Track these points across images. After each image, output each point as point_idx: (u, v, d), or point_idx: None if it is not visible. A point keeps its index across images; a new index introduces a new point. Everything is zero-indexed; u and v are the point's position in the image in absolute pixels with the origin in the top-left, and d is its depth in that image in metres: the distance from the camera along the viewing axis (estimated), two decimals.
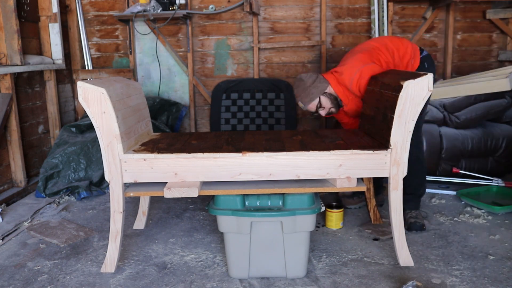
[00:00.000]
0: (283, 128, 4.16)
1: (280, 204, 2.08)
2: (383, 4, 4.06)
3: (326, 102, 2.71)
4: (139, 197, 2.75)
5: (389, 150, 2.06)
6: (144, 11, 3.98)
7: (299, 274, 2.09)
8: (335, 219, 2.66)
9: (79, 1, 4.24)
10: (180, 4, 4.05)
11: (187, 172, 2.08)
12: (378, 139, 2.24)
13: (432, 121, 3.38)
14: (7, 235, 2.64)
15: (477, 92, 3.35)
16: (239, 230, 2.03)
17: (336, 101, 2.72)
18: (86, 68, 4.34)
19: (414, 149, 2.31)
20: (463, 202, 3.05)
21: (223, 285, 2.05)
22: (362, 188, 2.13)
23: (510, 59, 4.13)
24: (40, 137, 3.86)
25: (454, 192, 3.20)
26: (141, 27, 4.30)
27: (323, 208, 2.07)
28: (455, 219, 2.77)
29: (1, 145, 3.30)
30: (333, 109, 2.75)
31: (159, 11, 3.99)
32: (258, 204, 2.08)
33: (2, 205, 3.09)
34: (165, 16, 4.01)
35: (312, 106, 2.73)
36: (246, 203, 2.08)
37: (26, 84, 3.64)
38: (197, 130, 4.45)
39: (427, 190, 3.26)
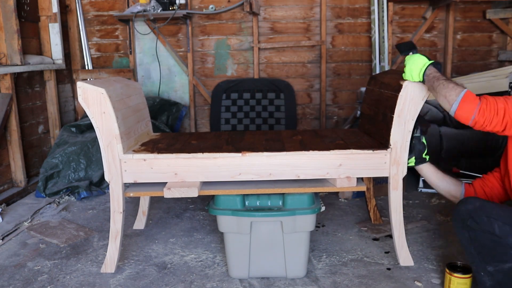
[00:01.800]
0: (283, 128, 4.16)
1: (280, 204, 2.08)
2: (383, 4, 4.05)
3: None
4: (139, 197, 2.75)
5: (389, 149, 2.06)
6: (144, 11, 3.98)
7: (299, 274, 2.09)
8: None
9: (79, 1, 4.24)
10: (180, 4, 4.05)
11: (187, 172, 2.08)
12: (378, 139, 2.24)
13: (432, 121, 3.38)
14: (7, 235, 2.64)
15: (477, 92, 3.33)
16: (239, 230, 2.03)
17: None
18: (86, 68, 4.34)
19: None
20: None
21: (223, 285, 2.05)
22: (362, 188, 2.13)
23: (510, 59, 4.13)
24: (40, 137, 3.86)
25: None
26: (141, 27, 4.30)
27: (323, 208, 2.07)
28: None
29: (1, 145, 3.30)
30: None
31: (159, 11, 3.99)
32: (258, 204, 2.08)
33: (2, 205, 3.09)
34: (165, 16, 4.01)
35: None
36: (246, 203, 2.08)
37: (26, 84, 3.64)
38: (197, 130, 4.45)
39: (428, 190, 3.27)
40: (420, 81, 1.93)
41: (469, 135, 3.34)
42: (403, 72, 1.98)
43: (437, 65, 1.89)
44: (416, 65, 1.91)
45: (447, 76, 1.83)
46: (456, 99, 1.68)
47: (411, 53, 1.99)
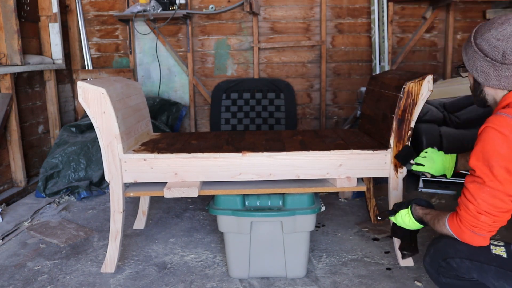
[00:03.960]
0: (283, 128, 4.16)
1: (280, 204, 2.08)
2: (383, 4, 4.05)
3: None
4: (139, 197, 2.75)
5: (389, 150, 2.06)
6: (144, 11, 3.98)
7: (299, 274, 2.09)
8: None
9: (79, 1, 4.24)
10: (180, 4, 4.05)
11: (187, 172, 2.08)
12: (378, 139, 2.24)
13: (432, 121, 3.38)
14: (7, 235, 2.64)
15: None
16: (239, 230, 2.03)
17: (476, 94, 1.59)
18: (86, 68, 4.34)
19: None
20: None
21: (223, 285, 2.05)
22: (362, 188, 2.13)
23: None
24: (40, 137, 3.86)
25: (454, 192, 3.20)
26: (141, 27, 4.30)
27: (323, 208, 2.07)
28: None
29: (1, 145, 3.30)
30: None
31: (159, 11, 3.99)
32: (258, 204, 2.08)
33: (2, 205, 3.09)
34: (165, 16, 4.01)
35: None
36: (246, 203, 2.08)
37: (26, 84, 3.64)
38: (197, 130, 4.45)
39: (428, 190, 3.27)
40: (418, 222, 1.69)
41: (469, 135, 3.34)
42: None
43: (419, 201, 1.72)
44: (404, 221, 1.70)
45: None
46: (451, 233, 1.46)
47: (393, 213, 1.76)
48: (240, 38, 4.30)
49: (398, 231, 1.80)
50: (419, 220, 1.65)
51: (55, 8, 3.83)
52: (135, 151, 2.14)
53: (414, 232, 1.79)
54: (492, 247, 1.41)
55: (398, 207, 1.73)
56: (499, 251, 1.39)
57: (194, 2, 4.24)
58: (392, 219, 1.75)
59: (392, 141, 2.06)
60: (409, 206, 1.68)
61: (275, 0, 4.22)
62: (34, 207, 3.11)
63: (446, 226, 1.46)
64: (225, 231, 2.06)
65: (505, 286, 1.37)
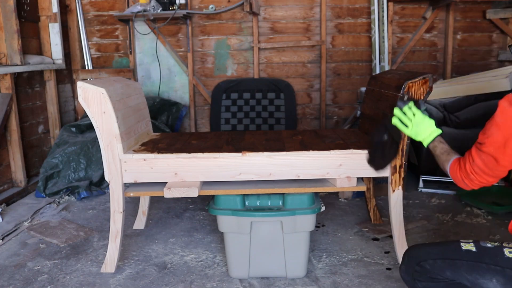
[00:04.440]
0: (283, 128, 4.15)
1: (280, 204, 2.08)
2: (383, 4, 4.05)
3: None
4: (139, 197, 2.75)
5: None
6: (144, 11, 3.98)
7: (299, 274, 2.09)
8: None
9: (79, 1, 4.24)
10: (180, 4, 4.05)
11: (187, 172, 2.08)
12: None
13: None
14: (7, 235, 2.64)
15: (477, 92, 3.34)
16: (239, 230, 2.03)
17: None
18: (86, 68, 4.34)
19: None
20: (463, 202, 3.05)
21: (223, 285, 2.05)
22: (362, 187, 2.13)
23: (510, 59, 4.13)
24: (40, 137, 3.86)
25: (454, 192, 3.20)
26: (141, 27, 4.30)
27: (323, 208, 2.07)
28: (455, 219, 2.77)
29: (1, 145, 3.30)
30: None
31: (159, 11, 3.99)
32: (258, 204, 2.08)
33: (2, 205, 3.09)
34: (165, 16, 4.01)
35: None
36: (246, 203, 2.08)
37: (26, 84, 3.64)
38: (197, 130, 4.45)
39: (428, 190, 3.27)
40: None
41: (469, 135, 3.34)
42: (406, 126, 1.76)
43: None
44: (424, 132, 1.79)
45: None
46: (447, 171, 1.68)
47: (424, 111, 1.77)
48: (240, 38, 4.30)
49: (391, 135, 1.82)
50: (431, 142, 1.78)
51: (55, 8, 3.83)
52: (135, 151, 2.14)
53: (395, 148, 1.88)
54: (461, 244, 1.46)
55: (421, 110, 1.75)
56: (469, 246, 1.45)
57: (194, 2, 4.24)
58: (408, 112, 1.72)
59: None
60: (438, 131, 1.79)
61: (275, 0, 4.22)
62: (34, 207, 3.11)
63: (448, 165, 1.67)
64: (225, 231, 2.06)
65: (478, 278, 1.40)
